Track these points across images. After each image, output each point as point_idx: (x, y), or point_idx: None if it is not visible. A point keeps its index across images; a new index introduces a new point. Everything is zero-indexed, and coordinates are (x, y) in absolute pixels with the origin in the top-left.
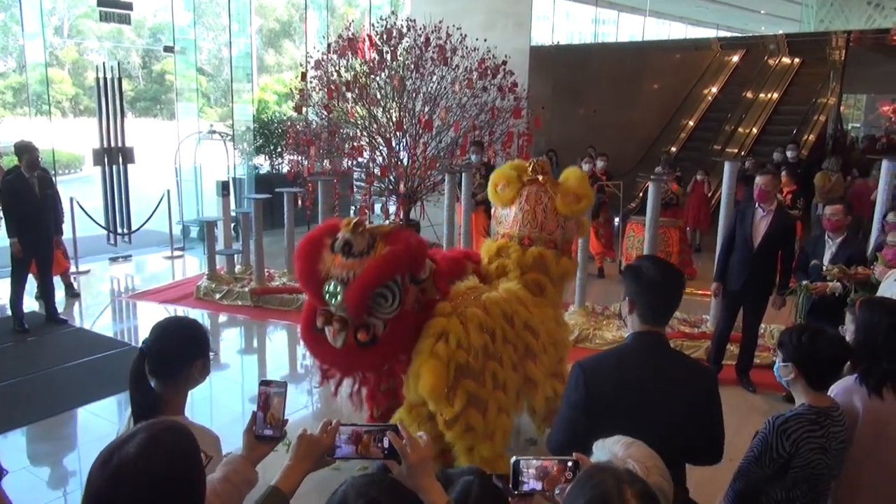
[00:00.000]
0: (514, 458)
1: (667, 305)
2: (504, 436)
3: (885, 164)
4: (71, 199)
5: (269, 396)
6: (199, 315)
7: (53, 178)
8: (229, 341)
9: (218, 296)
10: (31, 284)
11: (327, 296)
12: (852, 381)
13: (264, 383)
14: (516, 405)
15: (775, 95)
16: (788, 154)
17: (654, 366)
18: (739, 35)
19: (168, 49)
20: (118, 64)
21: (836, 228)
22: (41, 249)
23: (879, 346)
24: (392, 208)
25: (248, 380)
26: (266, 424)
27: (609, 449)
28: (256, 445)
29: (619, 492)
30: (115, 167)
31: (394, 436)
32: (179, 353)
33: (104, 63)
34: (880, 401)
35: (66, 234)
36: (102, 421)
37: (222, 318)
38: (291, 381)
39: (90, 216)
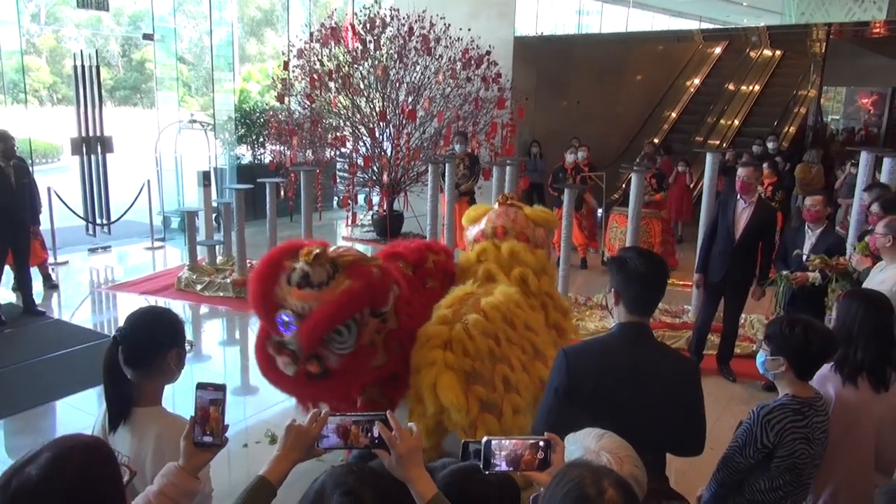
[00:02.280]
0: (485, 439)
1: (652, 297)
2: (521, 432)
3: (863, 155)
4: (49, 189)
5: (207, 402)
6: (179, 306)
7: (30, 168)
8: (211, 333)
9: (199, 287)
10: (8, 275)
11: (280, 325)
12: (827, 369)
13: (201, 387)
14: (532, 406)
15: (757, 87)
16: (769, 146)
17: (638, 356)
18: (722, 27)
19: (147, 37)
20: (96, 52)
21: (816, 219)
22: (18, 240)
23: (854, 335)
24: (375, 199)
25: (231, 372)
26: (204, 431)
27: (581, 442)
28: (195, 453)
29: (597, 481)
30: (93, 157)
31: (382, 426)
32: (154, 342)
33: (82, 51)
34: (854, 389)
35: (44, 224)
36: (81, 413)
37: (203, 309)
38: None
39: (68, 206)
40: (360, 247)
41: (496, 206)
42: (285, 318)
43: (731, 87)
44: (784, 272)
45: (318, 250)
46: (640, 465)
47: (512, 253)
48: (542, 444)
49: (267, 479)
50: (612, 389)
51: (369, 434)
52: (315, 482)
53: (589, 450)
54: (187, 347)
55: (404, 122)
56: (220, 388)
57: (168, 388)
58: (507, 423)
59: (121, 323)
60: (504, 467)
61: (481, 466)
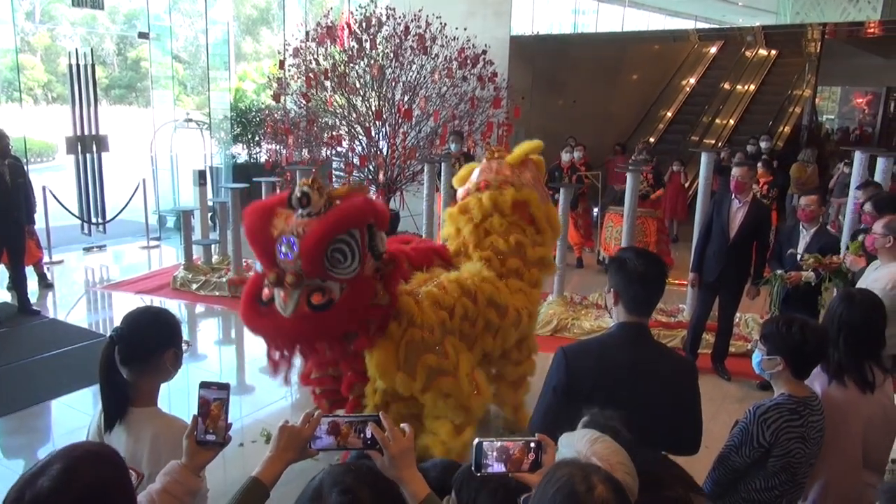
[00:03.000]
0: (476, 440)
1: (651, 297)
2: (485, 386)
3: (857, 155)
4: (44, 188)
5: (210, 400)
6: (175, 306)
7: (25, 167)
8: (206, 332)
9: (195, 286)
10: (3, 275)
11: (281, 253)
12: (817, 368)
13: (204, 386)
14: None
15: (752, 87)
16: (762, 145)
17: (637, 355)
18: (717, 27)
19: (143, 35)
20: (91, 50)
21: (811, 219)
22: (13, 239)
23: (833, 334)
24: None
25: (227, 371)
26: (207, 430)
27: (573, 445)
28: (198, 452)
29: (587, 478)
30: (88, 155)
31: (375, 427)
32: (151, 341)
33: (77, 49)
34: (842, 388)
35: (39, 223)
36: (77, 413)
37: (199, 308)
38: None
39: (64, 205)
40: None
41: (483, 160)
42: (286, 241)
43: (726, 86)
44: (778, 271)
45: (315, 178)
46: (632, 473)
47: (492, 201)
48: (533, 445)
49: (260, 480)
50: (610, 389)
51: (362, 435)
52: (313, 480)
53: (580, 454)
54: (184, 347)
55: (400, 121)
56: (224, 387)
57: (164, 388)
58: (463, 379)
59: (116, 322)
60: (495, 469)
61: (472, 468)
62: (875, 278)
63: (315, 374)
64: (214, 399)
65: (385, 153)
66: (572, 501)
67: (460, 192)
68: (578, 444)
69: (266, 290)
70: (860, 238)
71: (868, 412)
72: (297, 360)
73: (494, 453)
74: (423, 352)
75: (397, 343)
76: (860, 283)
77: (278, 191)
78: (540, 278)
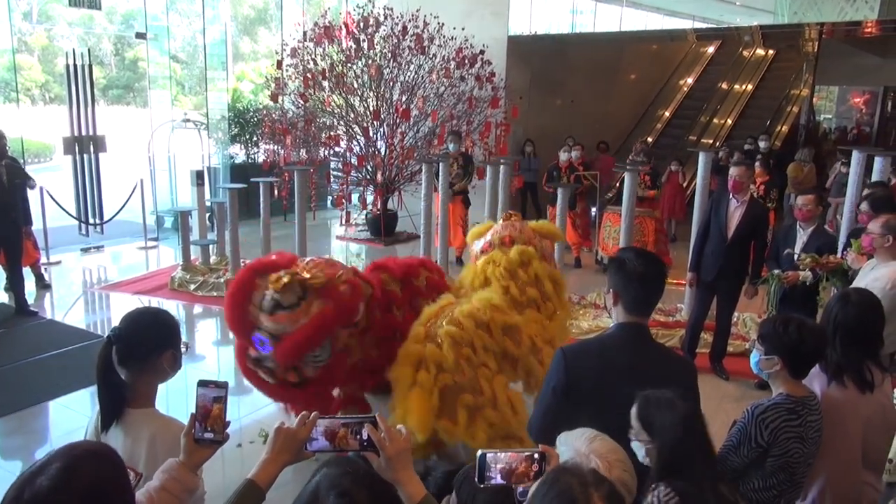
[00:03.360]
0: (479, 452)
1: (651, 297)
2: (521, 402)
3: (855, 154)
4: (41, 189)
5: (208, 399)
6: (173, 306)
7: (23, 167)
8: (204, 333)
9: (192, 287)
10: (0, 275)
11: (257, 344)
12: (816, 368)
13: (202, 384)
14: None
15: (750, 87)
16: (761, 144)
17: (636, 355)
18: (715, 26)
19: (140, 36)
20: (89, 51)
21: (808, 218)
22: (10, 240)
23: (830, 334)
24: (369, 198)
25: (224, 371)
26: (206, 427)
27: (572, 444)
28: (196, 450)
29: (586, 495)
30: (86, 156)
31: (372, 428)
32: (149, 342)
33: (74, 49)
34: (841, 388)
35: (37, 224)
36: (74, 414)
37: (197, 309)
38: None
39: (61, 206)
40: (353, 246)
41: (500, 222)
42: (261, 339)
43: (724, 86)
44: (775, 271)
45: (286, 278)
46: (629, 470)
47: (521, 253)
48: (536, 456)
49: (255, 482)
50: (610, 389)
51: (358, 436)
52: (309, 483)
53: (579, 452)
54: (182, 349)
55: (398, 121)
56: (222, 386)
57: (161, 389)
58: (503, 405)
59: (114, 323)
60: (499, 480)
61: (476, 480)
62: (875, 277)
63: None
64: (213, 397)
65: (383, 153)
66: None
67: (478, 246)
68: (577, 442)
69: (248, 361)
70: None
71: (867, 412)
72: None
73: (498, 465)
74: (458, 394)
75: (430, 392)
76: (857, 283)
77: (276, 192)
78: (557, 337)
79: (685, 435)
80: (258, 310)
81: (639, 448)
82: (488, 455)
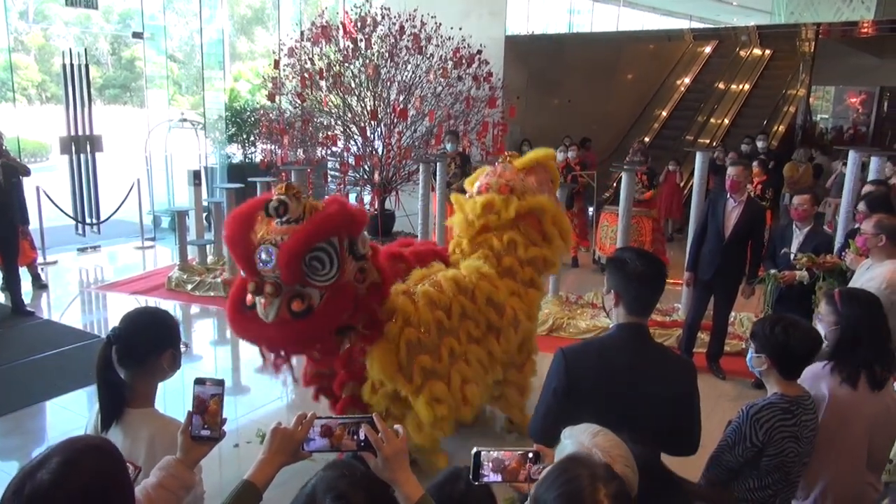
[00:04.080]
0: (475, 449)
1: (652, 297)
2: (475, 401)
3: (852, 154)
4: (38, 189)
5: (205, 396)
6: (170, 306)
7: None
8: (201, 333)
9: (190, 287)
10: None
11: (260, 262)
12: (820, 368)
13: (199, 382)
14: (486, 378)
15: (746, 87)
16: (758, 144)
17: (636, 356)
18: (712, 26)
19: (137, 35)
20: (85, 50)
21: (804, 218)
22: (7, 239)
23: (860, 335)
24: (367, 198)
25: (222, 371)
26: (202, 425)
27: (576, 438)
28: (193, 447)
29: (593, 490)
30: (83, 156)
31: (368, 428)
32: (148, 342)
33: (71, 49)
34: (851, 389)
35: (33, 223)
36: (71, 414)
37: (194, 309)
38: (265, 372)
39: (58, 206)
40: None
41: (497, 164)
42: (265, 249)
43: (721, 86)
44: (772, 271)
45: (291, 183)
46: (631, 465)
47: (484, 205)
48: (531, 455)
49: (252, 483)
50: (611, 389)
51: (355, 436)
52: (306, 486)
53: (582, 445)
54: (182, 349)
55: (395, 120)
56: (219, 383)
57: (159, 388)
58: (456, 390)
59: (111, 323)
60: (493, 478)
61: (470, 477)
62: (870, 277)
63: (311, 371)
64: (209, 395)
65: (380, 153)
66: None
67: (475, 188)
68: (581, 436)
69: (249, 296)
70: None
71: (873, 412)
72: (295, 359)
73: (491, 463)
74: (419, 352)
75: (396, 343)
76: (853, 283)
77: (273, 191)
78: (535, 278)
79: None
80: (261, 228)
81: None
82: (482, 452)
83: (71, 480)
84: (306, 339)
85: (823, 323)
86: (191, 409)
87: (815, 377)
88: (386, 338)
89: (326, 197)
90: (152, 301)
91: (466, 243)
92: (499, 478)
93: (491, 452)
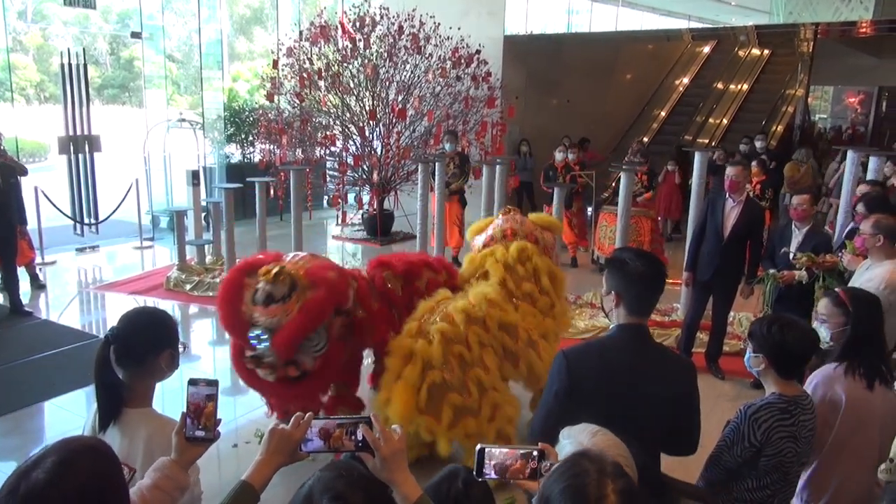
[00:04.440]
0: (479, 446)
1: (653, 297)
2: (511, 424)
3: (850, 154)
4: (36, 189)
5: (199, 397)
6: (169, 306)
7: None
8: (200, 333)
9: (188, 287)
10: None
11: (254, 341)
12: (832, 370)
13: (193, 382)
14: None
15: (745, 87)
16: (757, 144)
17: (637, 357)
18: (710, 26)
19: (135, 35)
20: (84, 50)
21: (803, 218)
22: (5, 239)
23: (873, 336)
24: (365, 198)
25: (220, 371)
26: (197, 426)
27: (575, 437)
28: (188, 448)
29: (600, 485)
30: (81, 156)
31: (366, 428)
32: (146, 342)
33: (69, 49)
34: (868, 391)
35: (31, 223)
36: (69, 415)
37: (193, 309)
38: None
39: (56, 206)
40: (349, 246)
41: (499, 216)
42: (258, 335)
43: (719, 86)
44: (771, 271)
45: (276, 268)
46: (630, 465)
47: (520, 250)
48: (535, 453)
49: (250, 483)
50: (612, 390)
51: (353, 437)
52: (303, 487)
53: (582, 445)
54: (180, 349)
55: (394, 120)
56: (213, 384)
57: (157, 390)
58: (484, 423)
59: (109, 323)
60: (495, 475)
61: (474, 474)
62: (868, 278)
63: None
64: (204, 395)
65: (379, 153)
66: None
67: (479, 241)
68: (580, 435)
69: (247, 362)
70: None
71: (883, 412)
72: None
73: (495, 460)
74: (446, 392)
75: (416, 387)
76: (852, 283)
77: (272, 192)
78: (552, 332)
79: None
80: (252, 305)
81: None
82: (486, 449)
83: (67, 480)
84: (305, 397)
85: (828, 324)
86: (184, 410)
87: (829, 380)
88: (406, 381)
89: (311, 270)
90: (151, 301)
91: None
92: (502, 475)
93: (494, 450)
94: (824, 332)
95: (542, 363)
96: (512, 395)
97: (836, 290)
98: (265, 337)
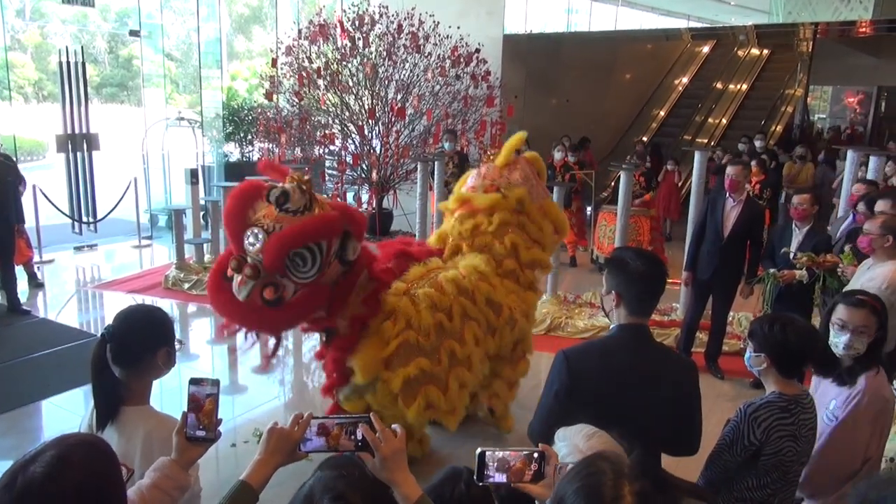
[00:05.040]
0: (479, 450)
1: (654, 296)
2: (464, 410)
3: (850, 154)
4: (34, 187)
5: (200, 396)
6: (167, 305)
7: (16, 165)
8: (199, 332)
9: (187, 286)
10: None
11: (248, 242)
12: (873, 376)
13: (194, 382)
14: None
15: (744, 86)
16: (756, 144)
17: (638, 357)
18: (710, 26)
19: (134, 33)
20: (82, 48)
21: (803, 217)
22: (2, 238)
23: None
24: (364, 197)
25: (219, 370)
26: (198, 425)
27: (570, 439)
28: (188, 448)
29: (616, 486)
30: (79, 154)
31: (366, 428)
32: (143, 340)
33: (68, 47)
34: (889, 387)
35: (29, 222)
36: (68, 413)
37: (191, 308)
38: (263, 371)
39: (54, 204)
40: None
41: (482, 167)
42: (255, 233)
43: (718, 85)
44: (771, 270)
45: (306, 178)
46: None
47: (499, 225)
48: (536, 456)
49: (248, 483)
50: (612, 391)
51: (353, 436)
52: (303, 487)
53: (577, 448)
54: (177, 346)
55: (393, 119)
56: (214, 383)
57: (155, 388)
58: (453, 396)
59: (108, 322)
60: (497, 479)
61: (475, 478)
62: (870, 277)
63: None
64: (205, 395)
65: (378, 152)
66: (593, 502)
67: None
68: (576, 438)
69: (229, 269)
70: (847, 249)
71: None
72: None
73: (496, 463)
74: (416, 354)
75: (387, 341)
76: (853, 283)
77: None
78: (534, 281)
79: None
80: (260, 210)
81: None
82: (487, 453)
83: (64, 476)
84: (269, 327)
85: (865, 334)
86: (185, 410)
87: (877, 387)
88: (376, 334)
89: (333, 198)
90: (149, 300)
91: (466, 248)
92: (503, 478)
93: (496, 452)
94: (849, 341)
95: (512, 336)
96: (478, 378)
97: (862, 297)
98: (260, 237)
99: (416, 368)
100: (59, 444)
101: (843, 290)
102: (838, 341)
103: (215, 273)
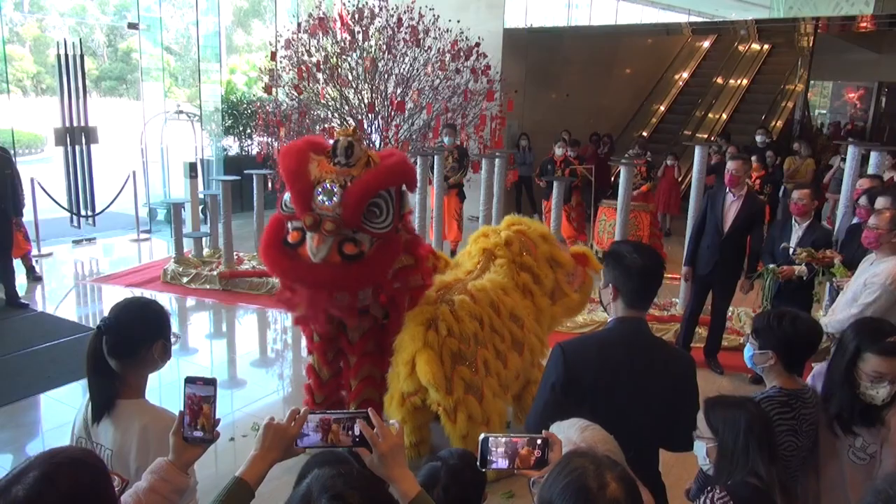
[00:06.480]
0: (483, 435)
1: (651, 290)
2: (500, 419)
3: (851, 148)
4: (32, 180)
5: (196, 396)
6: (166, 299)
7: (13, 158)
8: (197, 326)
9: (185, 280)
10: None
11: (321, 197)
12: None
13: (190, 381)
14: (505, 394)
15: (745, 81)
16: (757, 139)
17: (636, 351)
18: (710, 20)
19: (133, 26)
20: (81, 41)
21: (803, 213)
22: (0, 231)
23: None
24: None
25: (217, 365)
26: (195, 426)
27: (564, 433)
28: (185, 448)
29: (599, 475)
30: (78, 147)
31: (364, 424)
32: (139, 332)
33: (66, 40)
34: None
35: (28, 215)
36: (65, 407)
37: (190, 302)
38: (262, 365)
39: (52, 197)
40: None
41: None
42: (327, 188)
43: (719, 80)
44: (770, 265)
45: (353, 129)
46: (620, 459)
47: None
48: (539, 442)
49: (244, 480)
50: (610, 384)
51: (351, 432)
52: (300, 485)
53: (571, 442)
54: (173, 339)
55: (393, 113)
56: (211, 383)
57: (153, 383)
58: (488, 405)
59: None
60: (500, 465)
61: (478, 463)
62: (874, 273)
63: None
64: (201, 395)
65: (378, 146)
66: (582, 497)
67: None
68: (569, 431)
69: (293, 233)
70: (838, 262)
71: None
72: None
73: (500, 449)
74: (459, 363)
75: (438, 352)
76: (856, 278)
77: (270, 184)
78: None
79: (749, 434)
80: (319, 166)
81: (700, 448)
82: (490, 438)
83: (47, 497)
84: (354, 282)
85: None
86: (182, 410)
87: None
88: (431, 346)
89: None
90: (148, 294)
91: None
92: (507, 464)
93: (499, 438)
94: (892, 390)
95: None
96: (504, 394)
97: (893, 340)
98: (336, 190)
99: (459, 379)
100: (42, 462)
101: (843, 290)
102: (876, 394)
103: (273, 242)
